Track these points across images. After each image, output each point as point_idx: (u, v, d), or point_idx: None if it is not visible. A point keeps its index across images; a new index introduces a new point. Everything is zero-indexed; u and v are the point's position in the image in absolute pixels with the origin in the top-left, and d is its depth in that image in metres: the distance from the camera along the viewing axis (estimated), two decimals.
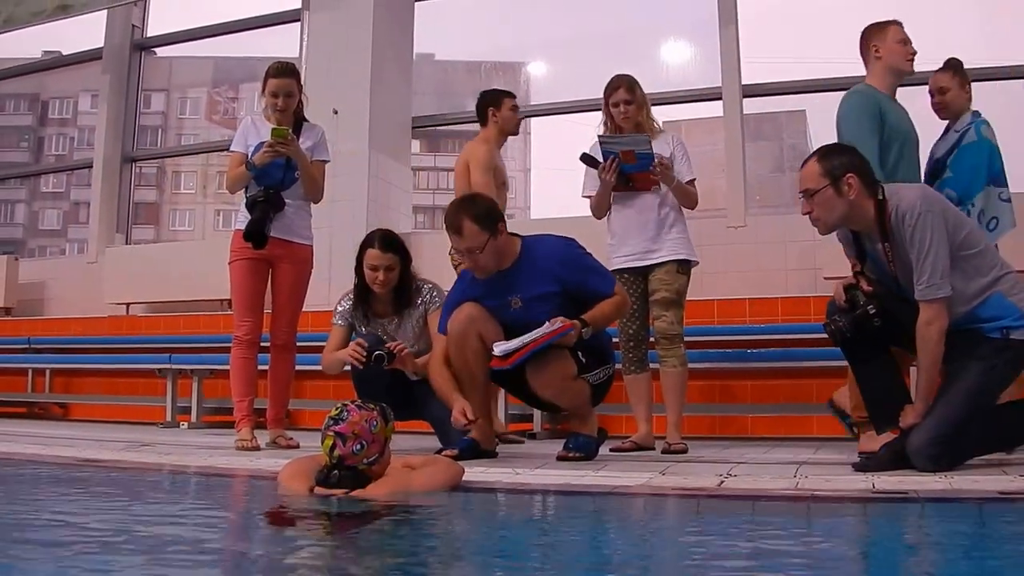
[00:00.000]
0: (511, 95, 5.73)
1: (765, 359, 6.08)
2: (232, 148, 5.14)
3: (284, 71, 5.07)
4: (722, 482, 3.33)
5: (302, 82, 5.21)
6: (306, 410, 7.26)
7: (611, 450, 4.70)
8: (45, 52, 11.73)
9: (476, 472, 3.57)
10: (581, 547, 2.27)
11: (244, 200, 5.03)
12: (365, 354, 4.39)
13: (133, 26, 9.83)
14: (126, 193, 9.72)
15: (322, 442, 2.91)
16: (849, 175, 3.56)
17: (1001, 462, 3.58)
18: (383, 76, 8.13)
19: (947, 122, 4.89)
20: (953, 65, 4.87)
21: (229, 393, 5.19)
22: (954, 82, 4.82)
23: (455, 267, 4.95)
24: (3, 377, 8.60)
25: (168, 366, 7.19)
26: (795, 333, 5.98)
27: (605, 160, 4.80)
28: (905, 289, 3.56)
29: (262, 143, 4.90)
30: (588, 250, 4.37)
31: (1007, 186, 4.64)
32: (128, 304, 8.69)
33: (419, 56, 9.02)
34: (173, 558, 1.99)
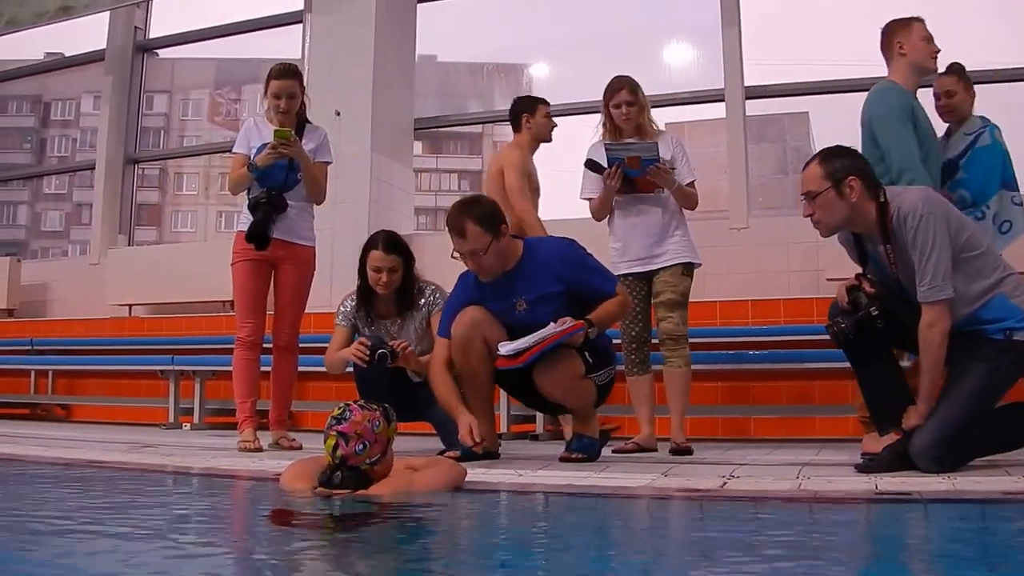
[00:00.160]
0: (545, 102, 5.72)
1: (767, 361, 6.08)
2: (234, 150, 5.14)
3: (286, 72, 5.07)
4: (725, 483, 3.33)
5: (304, 84, 5.21)
6: (308, 411, 7.26)
7: (613, 451, 4.71)
8: (47, 54, 11.73)
9: (478, 473, 3.57)
10: (584, 548, 2.27)
11: (246, 202, 5.03)
12: (368, 352, 4.39)
13: (135, 28, 9.86)
14: (128, 194, 9.73)
15: (324, 442, 2.91)
16: (851, 177, 3.56)
17: (1004, 463, 3.58)
18: (385, 78, 8.14)
19: (947, 125, 4.91)
20: (957, 69, 4.88)
21: (231, 394, 5.19)
22: (960, 85, 4.84)
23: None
24: (6, 378, 8.61)
25: (170, 367, 7.20)
26: (798, 335, 5.98)
27: (610, 166, 4.81)
28: (907, 291, 3.56)
29: (264, 144, 4.90)
30: (588, 251, 4.37)
31: (1019, 190, 4.65)
32: (131, 305, 8.70)
33: (421, 58, 9.02)
34: (176, 559, 1.99)
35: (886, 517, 2.83)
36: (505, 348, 4.04)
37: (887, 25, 4.44)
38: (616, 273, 4.79)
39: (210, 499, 3.55)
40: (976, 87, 4.88)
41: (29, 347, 8.68)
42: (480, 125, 17.58)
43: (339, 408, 2.95)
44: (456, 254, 4.17)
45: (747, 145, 7.32)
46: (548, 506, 3.24)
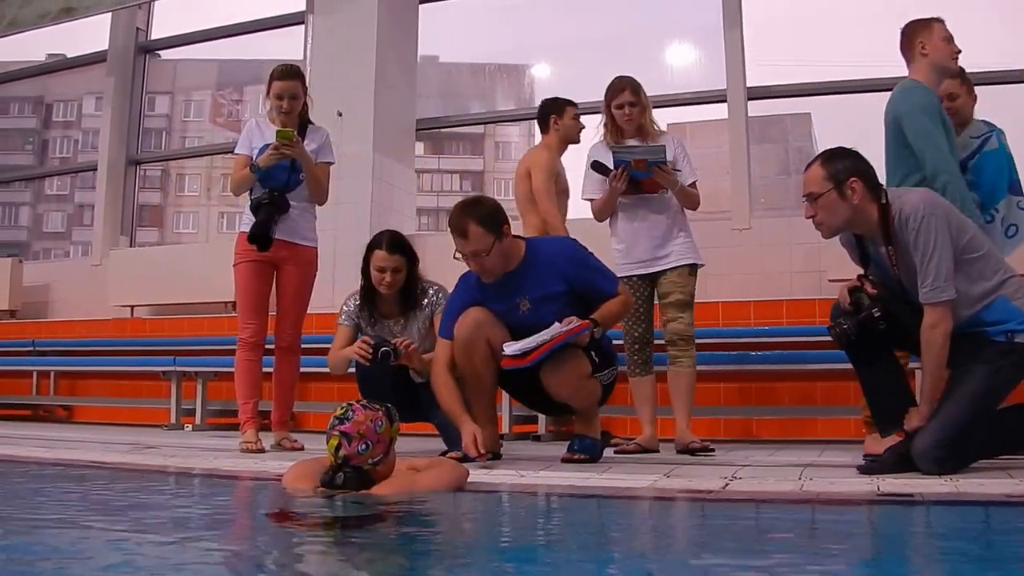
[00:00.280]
0: (573, 104, 5.71)
1: (770, 362, 6.07)
2: (236, 151, 5.14)
3: (289, 73, 5.08)
4: (727, 484, 3.33)
5: (307, 84, 5.21)
6: (310, 412, 7.27)
7: (615, 452, 4.71)
8: (49, 55, 11.73)
9: (480, 474, 3.57)
10: (586, 549, 2.27)
11: (248, 203, 5.03)
12: (371, 350, 4.39)
13: (137, 29, 9.86)
14: (130, 196, 9.74)
15: (327, 442, 2.91)
16: (853, 179, 3.56)
17: (1006, 465, 3.58)
18: (387, 78, 8.14)
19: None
20: (958, 72, 4.89)
21: (233, 395, 5.20)
22: (962, 88, 4.85)
23: None
24: (8, 379, 8.61)
25: (172, 368, 7.20)
26: (800, 336, 5.97)
27: (616, 167, 4.80)
28: (909, 292, 3.56)
29: (266, 145, 4.90)
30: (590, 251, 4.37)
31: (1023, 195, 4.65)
32: (132, 306, 8.70)
33: (423, 58, 9.02)
34: (178, 561, 1.99)
35: (888, 519, 2.83)
36: (511, 348, 4.03)
37: (907, 26, 4.44)
38: (619, 274, 4.79)
39: (212, 500, 3.55)
40: (977, 89, 4.88)
41: (31, 348, 8.68)
42: (482, 126, 17.65)
43: (342, 408, 2.95)
44: (458, 255, 4.16)
45: (749, 146, 7.32)
46: (550, 507, 3.24)
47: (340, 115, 7.56)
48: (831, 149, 3.70)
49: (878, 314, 3.58)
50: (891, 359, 3.75)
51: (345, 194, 7.10)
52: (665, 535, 2.64)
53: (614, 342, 4.75)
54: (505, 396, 5.65)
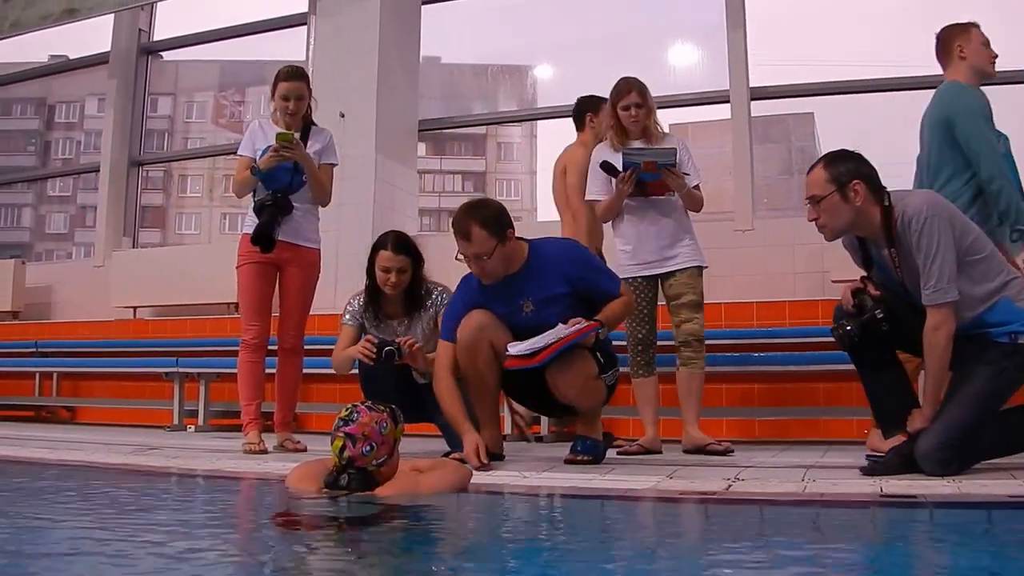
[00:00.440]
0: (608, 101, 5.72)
1: (772, 363, 6.07)
2: (240, 152, 5.14)
3: (295, 75, 5.09)
4: (730, 486, 3.33)
5: (311, 86, 5.21)
6: (313, 413, 7.27)
7: (618, 453, 4.71)
8: (52, 56, 11.75)
9: (483, 475, 3.57)
10: (588, 551, 2.27)
11: (252, 204, 5.04)
12: (375, 350, 4.39)
13: (140, 30, 9.86)
14: (133, 197, 9.75)
15: (331, 443, 2.91)
16: (855, 181, 3.55)
17: (1009, 466, 3.57)
18: (389, 79, 8.14)
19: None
20: None
21: (236, 397, 5.20)
22: None
23: None
24: (10, 381, 8.62)
25: (175, 370, 7.20)
26: (803, 337, 5.97)
27: (625, 170, 4.80)
28: (912, 295, 3.56)
29: (269, 147, 4.91)
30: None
31: None
32: (135, 308, 8.70)
33: (425, 59, 9.02)
34: (181, 562, 1.99)
35: (891, 520, 2.82)
36: (516, 348, 4.02)
37: (944, 30, 4.45)
38: (624, 275, 4.81)
39: (215, 501, 3.54)
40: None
41: (34, 349, 8.68)
42: (484, 127, 17.66)
43: (346, 409, 2.95)
44: (460, 256, 4.16)
45: (752, 146, 7.31)
46: (553, 508, 3.24)
47: (342, 116, 7.56)
48: (833, 152, 3.70)
49: (881, 315, 3.58)
50: (894, 360, 3.75)
51: (347, 195, 7.09)
52: (668, 537, 2.63)
53: (613, 343, 4.76)
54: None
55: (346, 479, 2.88)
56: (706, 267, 5.02)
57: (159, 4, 9.75)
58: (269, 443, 4.99)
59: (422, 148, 9.52)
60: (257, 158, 4.96)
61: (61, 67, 11.26)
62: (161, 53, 10.32)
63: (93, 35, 9.93)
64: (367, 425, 2.90)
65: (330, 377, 6.12)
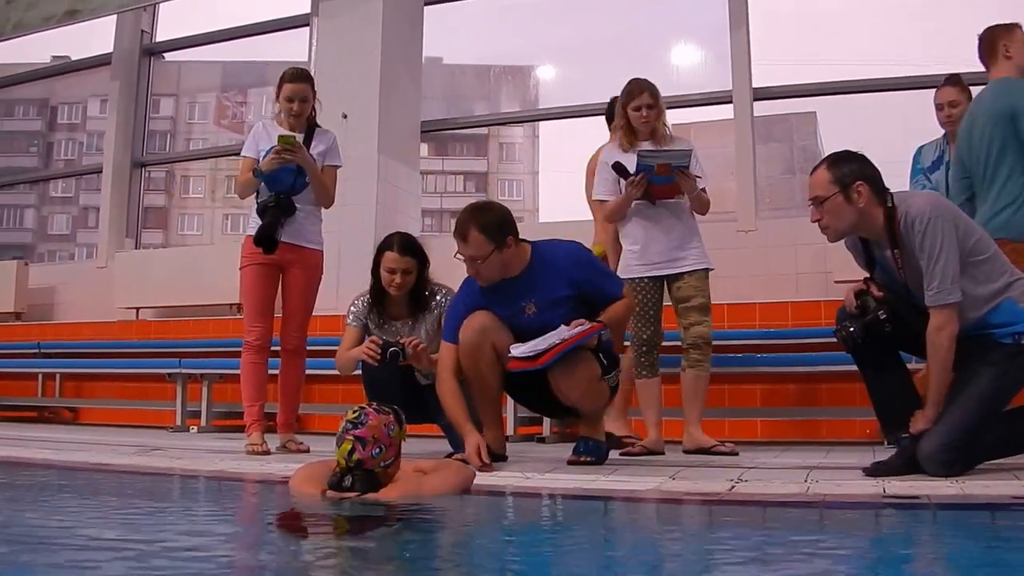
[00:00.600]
0: None
1: (775, 364, 6.07)
2: (243, 153, 5.14)
3: (299, 77, 5.09)
4: (733, 487, 3.33)
5: (315, 88, 5.21)
6: (316, 414, 7.28)
7: (621, 454, 4.71)
8: (54, 57, 11.77)
9: (487, 476, 3.57)
10: (591, 552, 2.27)
11: (255, 206, 5.04)
12: (379, 351, 4.39)
13: (142, 31, 9.87)
14: (135, 198, 9.76)
15: (339, 446, 2.90)
16: (859, 183, 3.55)
17: (1012, 467, 3.57)
18: (392, 80, 8.14)
19: (938, 137, 5.07)
20: (959, 80, 4.94)
21: (239, 397, 5.20)
22: (962, 95, 4.90)
23: None
24: (13, 382, 8.63)
25: (178, 371, 7.20)
26: (805, 337, 5.97)
27: (639, 171, 4.79)
28: (915, 296, 3.55)
29: (272, 148, 4.91)
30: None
31: None
32: (138, 308, 8.72)
33: (428, 60, 9.03)
34: (184, 563, 1.99)
35: (894, 521, 2.82)
36: (518, 350, 4.01)
37: (987, 30, 4.46)
38: (631, 275, 4.82)
39: (218, 502, 3.55)
40: (978, 88, 4.90)
41: (36, 350, 8.70)
42: (486, 127, 17.67)
43: (354, 412, 2.95)
44: (459, 255, 4.15)
45: (755, 147, 7.30)
46: (556, 509, 3.24)
47: (345, 117, 7.57)
48: (837, 152, 3.70)
49: (884, 317, 3.57)
50: (897, 361, 3.74)
51: (350, 196, 7.10)
52: (670, 538, 2.63)
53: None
54: (510, 399, 5.63)
55: (350, 480, 2.88)
56: (713, 270, 5.01)
57: (161, 5, 9.77)
58: (272, 444, 4.99)
59: (424, 149, 9.53)
60: (260, 159, 4.96)
61: (64, 68, 11.28)
62: (163, 54, 10.33)
63: (95, 36, 9.96)
64: (376, 428, 2.90)
65: (333, 378, 6.11)
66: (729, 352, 6.09)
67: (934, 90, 5.26)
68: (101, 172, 9.75)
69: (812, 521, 2.77)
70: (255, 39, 9.60)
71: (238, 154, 5.25)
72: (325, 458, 3.11)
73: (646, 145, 4.95)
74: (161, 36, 10.03)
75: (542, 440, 5.98)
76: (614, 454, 4.54)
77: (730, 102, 7.36)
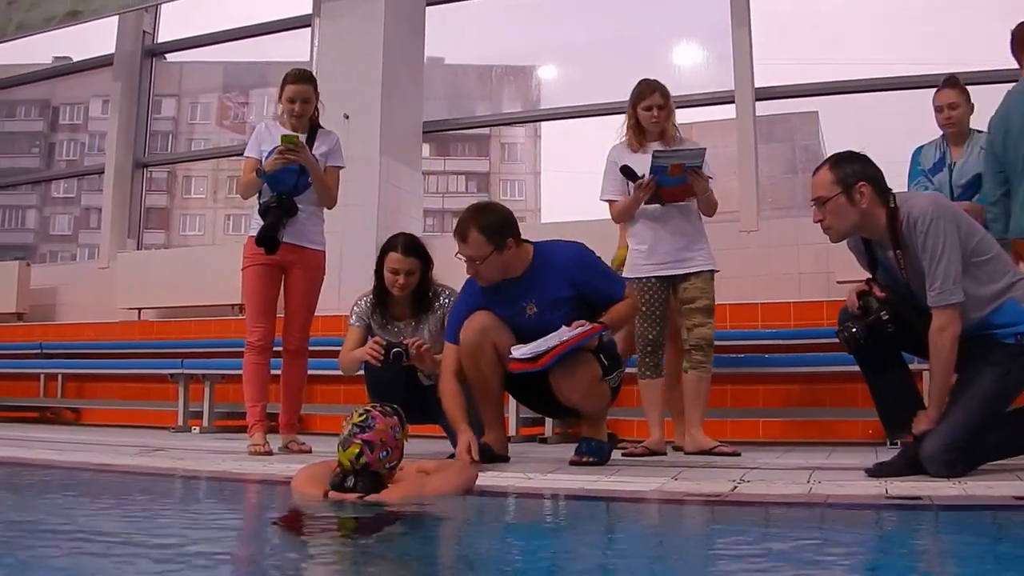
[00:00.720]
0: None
1: (777, 364, 6.06)
2: (246, 154, 5.14)
3: (302, 77, 5.10)
4: (735, 487, 3.32)
5: (318, 89, 5.21)
6: (318, 415, 7.27)
7: (623, 455, 4.70)
8: (56, 58, 11.77)
9: (489, 476, 3.57)
10: (593, 552, 2.26)
11: (257, 206, 5.04)
12: (383, 351, 4.39)
13: (144, 32, 9.88)
14: (137, 198, 9.77)
15: (344, 448, 2.90)
16: (861, 183, 3.55)
17: (1015, 467, 3.57)
18: (394, 81, 8.14)
19: (938, 139, 5.08)
20: (958, 82, 4.94)
21: (241, 398, 5.20)
22: (961, 97, 4.89)
23: None
24: (15, 382, 8.64)
25: (180, 371, 7.20)
26: (808, 338, 5.97)
27: (653, 171, 4.77)
28: (917, 297, 3.55)
29: (275, 148, 4.91)
30: (598, 255, 4.36)
31: None
32: (140, 309, 8.72)
33: (429, 60, 9.03)
34: (186, 564, 1.99)
35: (896, 522, 2.82)
36: (519, 351, 4.01)
37: (1020, 26, 4.48)
38: (637, 275, 4.81)
39: (220, 503, 3.55)
40: (976, 89, 4.91)
41: (38, 351, 8.70)
42: (488, 127, 17.67)
43: (359, 415, 2.94)
44: (460, 255, 4.15)
45: (757, 146, 7.30)
46: (558, 510, 3.24)
47: (347, 118, 7.57)
48: (839, 153, 3.69)
49: (886, 317, 3.56)
50: (899, 362, 3.74)
51: (352, 197, 7.10)
52: (673, 539, 2.63)
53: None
54: (512, 400, 5.63)
55: (352, 481, 2.88)
56: (718, 272, 5.01)
57: (163, 6, 9.77)
58: (274, 444, 4.99)
59: (426, 149, 9.54)
60: (263, 160, 4.96)
61: (65, 69, 11.29)
62: (165, 55, 10.34)
63: (97, 37, 9.97)
64: (384, 431, 2.90)
65: (335, 378, 6.11)
66: (731, 352, 6.09)
67: (933, 91, 5.26)
68: (103, 173, 9.75)
69: (814, 522, 2.76)
70: (257, 40, 9.61)
71: (240, 155, 5.25)
72: (327, 459, 3.11)
73: (656, 145, 4.94)
74: (163, 37, 10.04)
75: (544, 440, 5.99)
76: (616, 454, 4.54)
77: (732, 102, 7.36)
